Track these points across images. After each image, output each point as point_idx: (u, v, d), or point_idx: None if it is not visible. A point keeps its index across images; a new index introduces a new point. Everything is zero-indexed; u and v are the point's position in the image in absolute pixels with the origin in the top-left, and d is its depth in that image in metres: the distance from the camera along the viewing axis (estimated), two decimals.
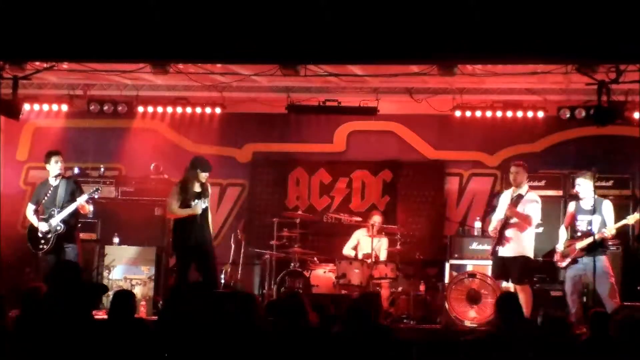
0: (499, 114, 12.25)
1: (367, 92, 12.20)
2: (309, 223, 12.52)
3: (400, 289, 11.78)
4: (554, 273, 11.18)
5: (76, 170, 12.30)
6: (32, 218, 10.71)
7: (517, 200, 10.41)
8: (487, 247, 11.09)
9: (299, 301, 7.02)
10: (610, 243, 10.58)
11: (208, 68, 11.20)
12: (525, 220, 10.28)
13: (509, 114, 12.22)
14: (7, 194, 12.48)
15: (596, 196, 10.22)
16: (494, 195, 11.45)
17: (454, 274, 11.39)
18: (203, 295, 7.86)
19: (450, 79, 10.83)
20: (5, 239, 11.82)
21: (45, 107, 12.87)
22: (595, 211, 10.07)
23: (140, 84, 12.61)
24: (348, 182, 13.32)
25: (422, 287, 11.82)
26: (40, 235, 10.58)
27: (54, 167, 10.74)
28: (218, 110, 12.86)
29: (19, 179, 13.61)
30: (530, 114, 12.16)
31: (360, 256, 12.03)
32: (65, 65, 11.12)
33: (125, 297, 7.12)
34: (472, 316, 10.58)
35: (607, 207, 10.22)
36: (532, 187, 11.48)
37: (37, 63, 10.63)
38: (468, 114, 12.26)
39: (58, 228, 10.57)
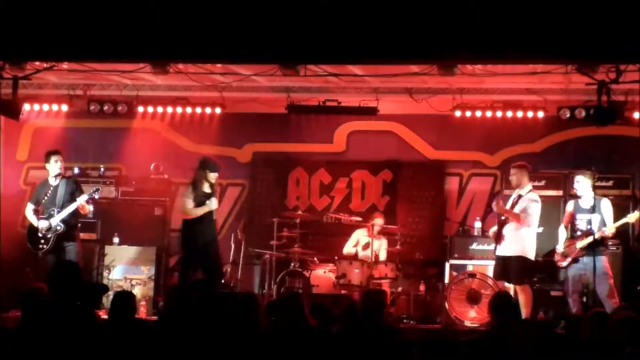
0: (499, 114, 12.24)
1: (367, 92, 12.20)
2: (309, 223, 12.51)
3: (400, 289, 11.79)
4: (554, 273, 11.18)
5: (76, 170, 12.32)
6: (32, 218, 10.71)
7: (517, 200, 10.44)
8: (487, 247, 11.10)
9: (297, 301, 7.03)
10: (610, 243, 10.59)
11: (208, 68, 11.19)
12: (515, 218, 10.29)
13: (509, 114, 12.22)
14: (7, 194, 12.47)
15: (595, 195, 10.24)
16: (494, 195, 11.45)
17: (454, 274, 11.40)
18: (204, 295, 7.85)
19: (450, 79, 10.84)
20: (5, 239, 11.81)
21: (45, 107, 12.87)
22: (594, 210, 10.08)
23: (140, 84, 12.61)
24: (348, 182, 13.32)
25: (422, 287, 11.83)
26: (40, 235, 10.59)
27: (54, 166, 10.75)
28: (218, 110, 12.86)
29: (19, 179, 13.60)
30: (530, 114, 12.16)
31: (360, 255, 12.03)
32: (65, 65, 11.11)
33: (125, 298, 7.13)
34: (472, 316, 10.60)
35: (606, 205, 10.23)
36: (532, 187, 11.52)
37: (37, 63, 10.63)
38: (468, 114, 12.25)
39: (58, 228, 10.58)
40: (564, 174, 11.92)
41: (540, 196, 11.09)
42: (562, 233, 10.49)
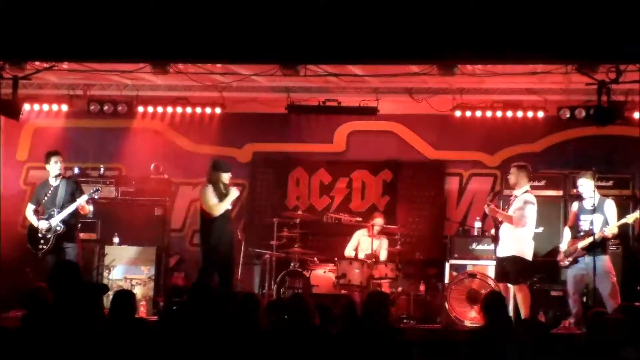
0: (499, 114, 12.24)
1: (367, 92, 12.20)
2: (309, 223, 12.51)
3: (400, 289, 11.78)
4: (554, 273, 11.18)
5: (76, 170, 12.32)
6: (32, 218, 10.72)
7: (512, 201, 10.47)
8: (487, 247, 11.10)
9: (303, 302, 7.04)
10: (611, 243, 10.59)
11: (208, 68, 11.19)
12: (507, 219, 10.31)
13: (509, 114, 12.22)
14: (7, 194, 12.47)
15: (599, 195, 10.25)
16: (495, 195, 11.45)
17: (454, 274, 11.40)
18: (205, 296, 7.86)
19: (450, 79, 10.84)
20: (5, 239, 11.81)
21: (45, 107, 12.87)
22: (596, 210, 10.09)
23: (140, 84, 12.61)
24: (348, 182, 13.32)
25: (422, 287, 11.82)
26: (40, 235, 10.59)
27: (54, 167, 10.76)
28: (218, 110, 12.86)
29: (19, 179, 13.60)
30: (530, 114, 12.16)
31: (361, 256, 12.02)
32: (65, 65, 11.11)
33: (125, 297, 7.13)
34: (472, 316, 10.59)
35: (610, 206, 10.24)
36: (532, 187, 11.50)
37: (37, 63, 10.63)
38: (468, 114, 12.25)
39: (58, 228, 10.59)
40: (564, 174, 11.92)
41: (540, 196, 11.11)
42: (567, 233, 10.50)
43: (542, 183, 11.85)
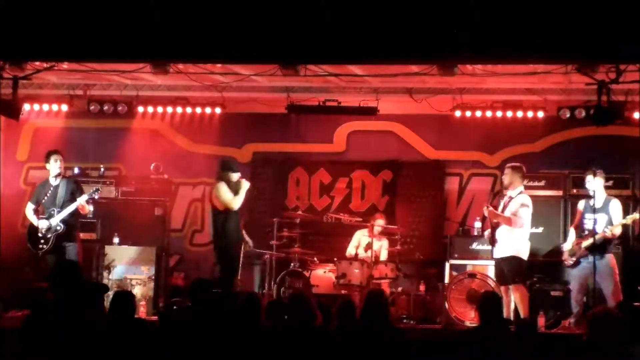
0: (499, 114, 12.24)
1: (367, 92, 12.20)
2: (309, 223, 12.50)
3: (400, 289, 11.78)
4: (554, 273, 11.19)
5: (76, 170, 12.32)
6: (32, 217, 10.72)
7: (508, 202, 10.48)
8: (487, 247, 11.08)
9: (304, 303, 7.04)
10: (616, 242, 10.58)
11: (208, 68, 11.19)
12: (506, 221, 10.32)
13: (509, 114, 12.22)
14: (7, 194, 12.48)
15: (606, 195, 10.26)
16: (495, 195, 11.44)
17: (454, 274, 11.40)
18: (206, 295, 7.84)
19: (450, 79, 10.82)
20: (5, 239, 11.81)
21: (45, 107, 12.86)
22: (601, 210, 10.10)
23: (140, 84, 12.61)
24: (348, 182, 13.32)
25: (422, 287, 11.82)
26: (40, 235, 10.59)
27: (53, 166, 10.76)
28: (218, 110, 12.86)
29: (19, 179, 13.60)
30: (530, 114, 12.16)
31: (361, 256, 12.02)
32: (65, 65, 11.10)
33: (124, 297, 7.12)
34: (472, 316, 10.58)
35: (615, 206, 10.25)
36: (532, 187, 11.53)
37: (37, 63, 10.62)
38: (468, 114, 12.25)
39: (58, 228, 10.59)
40: (564, 174, 11.92)
41: (540, 196, 11.13)
42: (572, 232, 10.50)
43: (542, 183, 11.86)
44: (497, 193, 10.88)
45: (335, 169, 13.34)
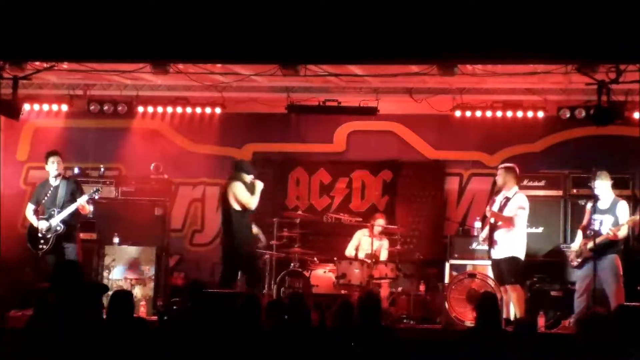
0: (499, 114, 12.24)
1: (367, 92, 12.19)
2: (309, 223, 12.50)
3: (400, 289, 11.78)
4: (554, 273, 11.19)
5: (76, 170, 12.31)
6: (32, 218, 10.72)
7: (504, 202, 10.48)
8: (487, 248, 11.08)
9: (303, 303, 7.04)
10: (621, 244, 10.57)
11: (208, 68, 11.19)
12: (507, 221, 10.33)
13: (509, 114, 12.22)
14: (7, 194, 12.47)
15: (614, 196, 10.26)
16: (494, 195, 11.44)
17: (454, 274, 11.40)
18: (203, 295, 7.86)
19: (450, 79, 10.82)
20: (5, 239, 11.80)
21: (45, 107, 12.86)
22: (608, 211, 10.10)
23: (140, 84, 12.60)
24: (348, 182, 13.32)
25: (422, 287, 11.81)
26: (40, 235, 10.58)
27: (52, 167, 10.78)
28: (218, 110, 12.85)
29: (19, 179, 13.60)
30: (530, 114, 12.16)
31: (361, 256, 12.02)
32: (65, 65, 11.10)
33: (123, 297, 7.12)
34: (472, 316, 10.57)
35: (622, 207, 10.23)
36: (532, 187, 11.52)
37: (37, 63, 10.62)
38: (468, 114, 12.25)
39: (58, 228, 10.59)
40: (564, 174, 11.92)
41: (540, 196, 11.12)
42: (580, 233, 10.49)
43: (542, 183, 11.86)
44: (497, 192, 10.86)
45: (335, 169, 13.34)
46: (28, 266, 11.45)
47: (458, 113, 12.25)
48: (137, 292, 11.50)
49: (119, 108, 12.62)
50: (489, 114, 12.25)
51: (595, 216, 10.18)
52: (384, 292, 11.59)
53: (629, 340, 6.02)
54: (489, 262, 10.91)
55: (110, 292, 8.32)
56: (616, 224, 10.10)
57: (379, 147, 13.26)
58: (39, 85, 12.56)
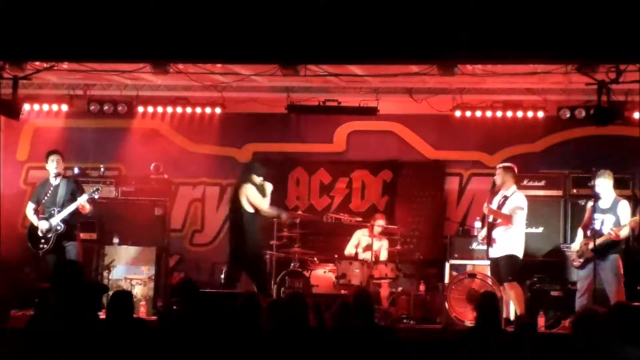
0: (499, 114, 12.24)
1: (367, 92, 12.20)
2: (309, 223, 12.50)
3: (400, 289, 11.77)
4: (554, 273, 11.19)
5: (76, 170, 12.31)
6: (32, 217, 10.73)
7: (503, 201, 10.48)
8: (485, 246, 11.09)
9: (303, 303, 7.04)
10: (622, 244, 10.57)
11: (208, 68, 11.19)
12: (505, 219, 10.33)
13: (509, 114, 12.22)
14: (7, 194, 12.46)
15: (615, 195, 10.26)
16: (492, 194, 11.44)
17: (454, 274, 11.40)
18: (193, 295, 7.85)
19: (450, 79, 10.82)
20: (5, 239, 11.80)
21: (45, 107, 12.86)
22: (609, 211, 10.10)
23: (140, 84, 12.61)
24: (348, 182, 13.32)
25: (422, 287, 11.81)
26: (40, 234, 10.59)
27: (51, 166, 10.78)
28: (218, 110, 12.86)
29: (19, 179, 13.60)
30: (530, 114, 12.16)
31: (361, 256, 12.02)
32: (65, 65, 11.10)
33: (122, 297, 7.11)
34: (472, 316, 10.57)
35: (623, 207, 10.23)
36: (532, 187, 11.52)
37: (37, 63, 10.62)
38: (468, 114, 12.25)
39: (58, 227, 10.59)
40: (564, 174, 11.93)
41: (540, 196, 11.11)
42: (580, 232, 10.50)
43: (542, 183, 11.86)
44: (497, 192, 10.87)
45: (335, 169, 13.34)
46: (28, 266, 11.46)
47: (458, 113, 12.26)
48: (137, 292, 11.50)
49: (119, 108, 12.62)
50: (489, 114, 12.25)
51: (596, 215, 10.17)
52: (384, 292, 11.60)
53: (629, 340, 6.02)
54: (489, 262, 10.92)
55: (110, 292, 8.34)
56: (617, 224, 10.09)
57: (379, 147, 13.26)
58: (39, 85, 12.56)
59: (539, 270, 11.22)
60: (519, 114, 12.19)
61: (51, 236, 10.60)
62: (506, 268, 10.32)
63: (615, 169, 11.42)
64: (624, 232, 10.17)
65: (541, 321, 10.34)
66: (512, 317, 10.41)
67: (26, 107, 12.13)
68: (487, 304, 7.03)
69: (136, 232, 12.15)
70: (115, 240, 12.03)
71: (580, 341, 5.90)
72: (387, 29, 8.84)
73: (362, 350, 6.74)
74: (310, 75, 10.98)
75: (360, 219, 12.38)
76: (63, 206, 10.63)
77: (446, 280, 11.49)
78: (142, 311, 11.00)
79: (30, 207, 10.82)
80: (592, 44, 8.61)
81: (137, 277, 11.76)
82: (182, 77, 11.63)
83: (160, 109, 12.93)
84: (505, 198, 10.51)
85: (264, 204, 10.89)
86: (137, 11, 9.07)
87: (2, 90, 10.48)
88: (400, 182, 13.19)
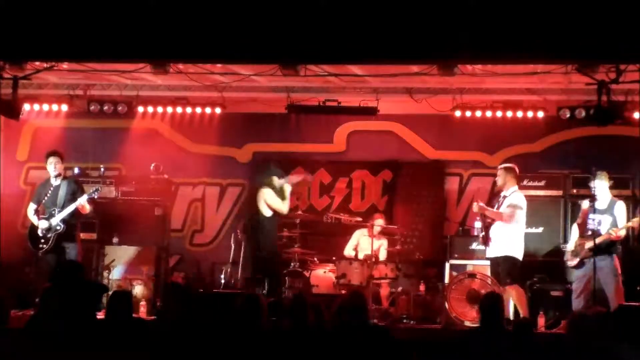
0: (499, 114, 12.24)
1: (367, 92, 12.20)
2: (309, 223, 12.50)
3: (400, 289, 11.77)
4: (554, 273, 11.19)
5: (76, 170, 12.31)
6: (33, 217, 10.73)
7: (502, 202, 10.49)
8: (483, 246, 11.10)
9: (305, 304, 7.04)
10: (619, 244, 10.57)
11: (208, 68, 11.19)
12: (496, 217, 10.33)
13: (509, 114, 12.22)
14: (7, 194, 12.47)
15: (611, 196, 10.26)
16: (494, 195, 11.46)
17: (454, 274, 11.40)
18: (180, 296, 7.85)
19: (450, 79, 10.83)
20: (5, 239, 11.81)
21: (45, 107, 12.86)
22: (606, 211, 10.11)
23: (140, 84, 12.60)
24: (348, 182, 13.33)
25: (422, 287, 11.82)
26: (40, 234, 10.60)
27: (50, 167, 10.79)
28: (218, 110, 12.86)
29: (19, 179, 13.60)
30: (530, 114, 12.16)
31: (360, 256, 12.02)
32: (65, 65, 11.11)
33: (122, 297, 7.11)
34: (472, 316, 10.58)
35: (620, 208, 10.23)
36: (532, 187, 11.52)
37: (37, 63, 10.63)
38: (468, 114, 12.25)
39: (58, 228, 10.59)
40: (564, 174, 11.94)
41: (540, 196, 11.10)
42: (575, 232, 10.49)
43: (542, 183, 11.87)
44: (497, 193, 10.87)
45: (335, 169, 13.35)
46: (28, 266, 11.45)
47: (458, 113, 12.25)
48: (137, 292, 11.50)
49: (119, 108, 12.61)
50: (489, 114, 12.25)
51: (593, 216, 10.18)
52: (384, 292, 11.60)
53: (628, 340, 6.02)
54: (489, 262, 10.92)
55: (110, 292, 8.34)
56: (614, 225, 10.10)
57: (378, 147, 13.27)
58: (39, 85, 12.55)
59: (539, 270, 11.22)
60: (519, 114, 12.19)
61: (51, 236, 10.60)
62: (505, 270, 10.31)
63: (615, 169, 11.45)
64: (623, 233, 10.20)
65: (541, 321, 10.35)
66: (511, 317, 10.39)
67: (26, 107, 12.13)
68: (491, 304, 7.01)
69: (136, 232, 12.16)
70: (115, 240, 12.04)
71: (574, 341, 5.91)
72: (387, 29, 8.84)
73: (356, 350, 6.73)
74: (310, 75, 10.98)
75: (360, 219, 12.38)
76: (63, 206, 10.64)
77: (446, 280, 11.49)
78: (142, 311, 11.00)
79: (31, 208, 10.83)
80: (592, 44, 8.61)
81: (137, 277, 11.77)
82: (182, 77, 11.63)
83: (160, 109, 12.93)
84: (504, 198, 10.51)
85: (284, 207, 11.08)
86: (137, 11, 9.07)
87: (2, 90, 10.48)
88: (400, 182, 13.20)
